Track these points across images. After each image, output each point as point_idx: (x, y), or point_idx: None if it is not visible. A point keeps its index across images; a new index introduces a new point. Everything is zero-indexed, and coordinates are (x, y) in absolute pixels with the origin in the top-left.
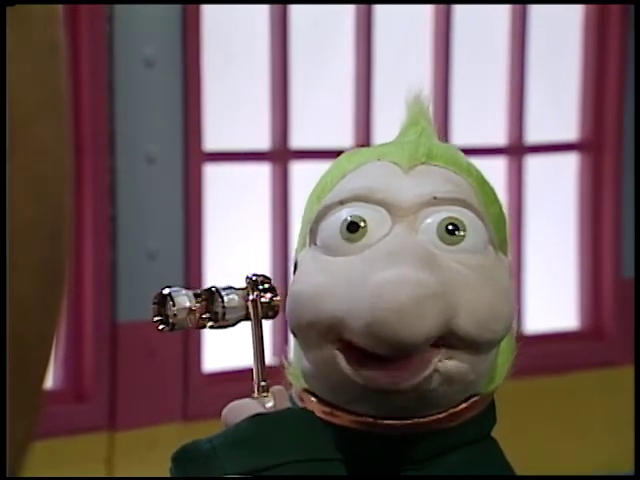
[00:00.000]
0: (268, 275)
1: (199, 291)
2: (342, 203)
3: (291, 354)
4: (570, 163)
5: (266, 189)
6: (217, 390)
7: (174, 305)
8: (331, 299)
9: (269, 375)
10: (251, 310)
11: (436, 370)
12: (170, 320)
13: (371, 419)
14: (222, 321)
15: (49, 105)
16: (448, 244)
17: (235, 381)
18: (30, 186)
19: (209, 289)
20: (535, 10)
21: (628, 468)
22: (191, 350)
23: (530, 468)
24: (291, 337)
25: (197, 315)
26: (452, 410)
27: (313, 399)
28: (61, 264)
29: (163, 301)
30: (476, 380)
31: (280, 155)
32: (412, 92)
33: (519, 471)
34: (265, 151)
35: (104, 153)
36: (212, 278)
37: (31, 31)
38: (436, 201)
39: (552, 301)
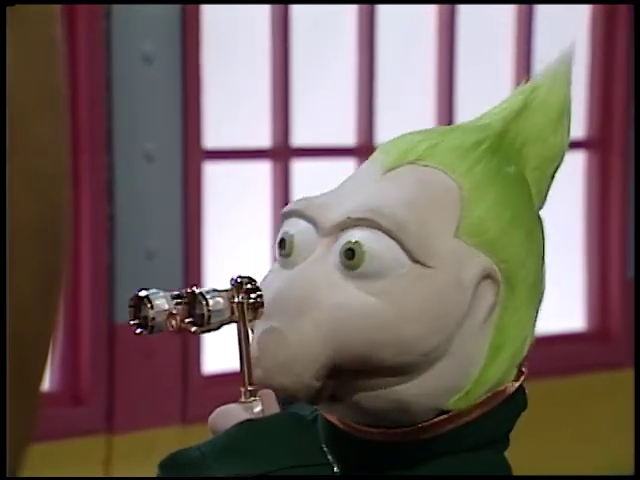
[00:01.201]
0: (253, 277)
1: (179, 293)
2: (285, 217)
3: None
4: (577, 161)
5: (267, 187)
6: (217, 393)
7: (152, 308)
8: None
9: None
10: (237, 313)
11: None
12: (149, 323)
13: (353, 423)
14: (207, 325)
15: (47, 103)
16: (347, 268)
17: (235, 383)
18: (28, 184)
19: (192, 292)
20: (541, 8)
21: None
22: (190, 352)
23: (536, 470)
24: None
25: (179, 319)
26: (421, 425)
27: None
28: (58, 263)
29: (139, 304)
30: (420, 398)
31: (281, 153)
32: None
33: (525, 472)
34: (266, 149)
35: (102, 151)
36: (212, 278)
37: (28, 29)
38: (349, 221)
39: (559, 302)
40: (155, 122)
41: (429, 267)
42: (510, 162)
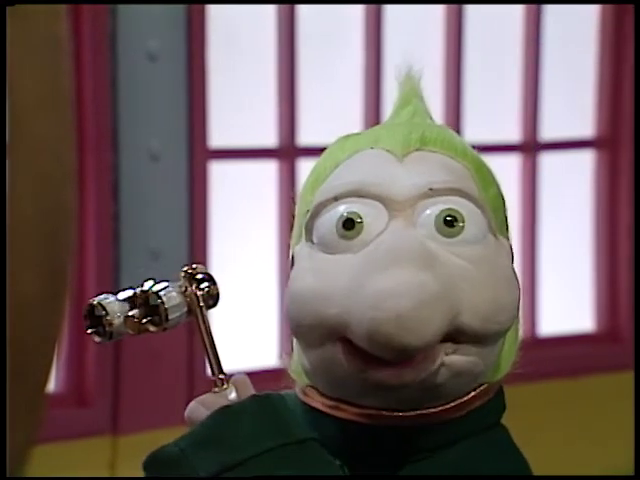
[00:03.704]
0: (202, 265)
1: (131, 294)
2: (337, 199)
3: (294, 350)
4: (586, 160)
5: (273, 187)
6: None
7: (107, 314)
8: (332, 303)
9: (279, 378)
10: (193, 304)
11: (442, 364)
12: (106, 330)
13: (375, 411)
14: (165, 322)
15: (51, 101)
16: (447, 236)
17: None
18: (32, 185)
19: (144, 291)
20: (550, 8)
21: None
22: (196, 352)
23: (544, 471)
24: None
25: (136, 320)
26: (459, 400)
27: (316, 393)
28: (64, 263)
29: (93, 311)
30: (484, 371)
31: (287, 152)
32: (402, 70)
33: (533, 472)
34: (272, 148)
35: (106, 150)
36: (217, 278)
37: (34, 28)
38: (432, 192)
39: (567, 303)
40: (160, 121)
41: (497, 237)
42: None
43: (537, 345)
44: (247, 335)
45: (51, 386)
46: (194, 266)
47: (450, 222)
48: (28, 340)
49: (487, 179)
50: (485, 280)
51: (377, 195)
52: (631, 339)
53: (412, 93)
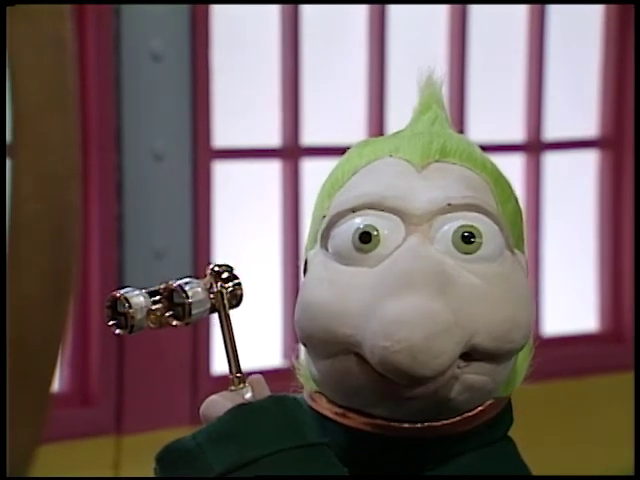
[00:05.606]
0: (229, 264)
1: (156, 289)
2: (354, 211)
3: (301, 355)
4: (590, 160)
5: (277, 187)
6: None
7: (130, 306)
8: (346, 323)
9: (283, 378)
10: (217, 302)
11: (456, 378)
12: (128, 323)
13: (383, 421)
14: (188, 317)
15: (56, 102)
16: (464, 253)
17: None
18: (36, 184)
19: (169, 286)
20: (554, 8)
21: None
22: (200, 352)
23: (546, 471)
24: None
25: (158, 314)
26: (467, 414)
27: (324, 400)
28: (68, 263)
29: (116, 303)
30: (496, 387)
31: (291, 152)
32: (424, 74)
33: (536, 473)
34: (276, 148)
35: (111, 150)
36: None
37: (39, 28)
38: (451, 207)
39: (571, 303)
40: (164, 121)
41: (513, 253)
42: None
43: (541, 345)
44: (250, 335)
45: (55, 386)
46: (220, 264)
47: (468, 238)
48: (32, 340)
49: (505, 192)
50: (500, 299)
51: (395, 209)
52: (634, 339)
53: (433, 99)
